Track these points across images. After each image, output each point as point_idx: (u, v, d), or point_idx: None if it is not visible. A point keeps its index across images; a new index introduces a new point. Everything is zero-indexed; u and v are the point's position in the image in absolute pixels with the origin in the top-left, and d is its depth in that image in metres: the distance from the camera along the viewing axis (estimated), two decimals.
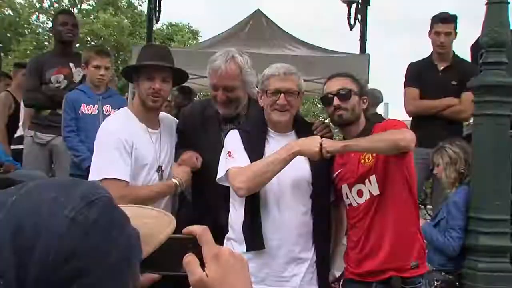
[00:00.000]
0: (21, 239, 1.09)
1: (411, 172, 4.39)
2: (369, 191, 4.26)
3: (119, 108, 6.06)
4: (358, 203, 4.30)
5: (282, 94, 4.18)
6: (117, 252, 1.20)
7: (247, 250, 4.11)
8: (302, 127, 4.42)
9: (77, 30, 6.63)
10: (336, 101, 4.28)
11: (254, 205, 4.13)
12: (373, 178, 4.24)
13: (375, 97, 9.58)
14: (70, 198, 1.18)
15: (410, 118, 7.64)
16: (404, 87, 7.50)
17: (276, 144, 4.23)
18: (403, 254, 4.26)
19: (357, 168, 4.27)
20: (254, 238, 4.11)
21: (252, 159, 4.14)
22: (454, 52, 7.23)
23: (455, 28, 7.21)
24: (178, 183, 4.27)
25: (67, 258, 1.11)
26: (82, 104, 6.29)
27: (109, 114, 6.14)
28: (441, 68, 6.96)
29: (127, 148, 4.20)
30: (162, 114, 4.67)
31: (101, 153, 4.27)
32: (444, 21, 7.18)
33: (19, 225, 1.12)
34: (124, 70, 4.76)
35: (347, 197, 4.34)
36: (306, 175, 4.22)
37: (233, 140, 4.30)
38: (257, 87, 4.52)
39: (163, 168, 4.43)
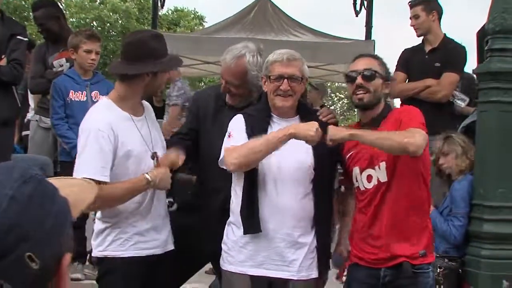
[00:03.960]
0: None
1: (427, 164, 4.42)
2: (377, 177, 4.27)
3: (107, 94, 6.20)
4: (365, 188, 4.30)
5: (285, 80, 4.20)
6: (51, 219, 1.47)
7: (244, 233, 4.16)
8: (306, 113, 4.43)
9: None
10: (359, 80, 4.28)
11: (252, 189, 4.16)
12: (382, 164, 4.24)
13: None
14: (8, 179, 1.46)
15: None
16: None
17: (277, 126, 4.28)
18: (412, 244, 4.25)
19: (370, 152, 4.27)
20: (251, 221, 4.12)
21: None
22: (445, 34, 7.19)
23: (426, 9, 7.13)
24: (149, 178, 4.17)
25: (10, 228, 1.38)
26: (71, 90, 6.34)
27: (97, 101, 6.02)
28: (427, 50, 6.95)
29: (110, 140, 4.15)
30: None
31: (81, 148, 4.21)
32: (410, 7, 7.24)
33: None
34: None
35: (357, 180, 4.35)
36: (308, 160, 4.23)
37: (236, 122, 4.34)
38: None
39: (158, 154, 4.39)
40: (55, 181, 1.62)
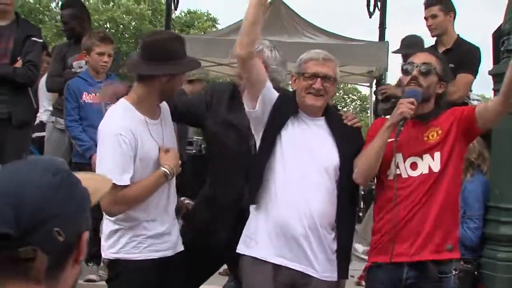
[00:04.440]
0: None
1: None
2: (429, 165, 4.18)
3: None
4: (409, 175, 4.20)
5: (319, 79, 4.18)
6: (75, 203, 1.81)
7: (250, 203, 4.23)
8: (332, 115, 4.40)
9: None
10: (415, 72, 4.22)
11: (264, 165, 4.18)
12: (438, 154, 4.17)
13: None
14: (45, 170, 1.82)
15: None
16: None
17: (302, 127, 4.25)
18: (442, 237, 4.16)
19: (419, 142, 4.21)
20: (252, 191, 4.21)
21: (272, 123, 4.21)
22: (458, 35, 7.14)
23: (444, 9, 7.08)
24: (167, 172, 4.17)
25: (44, 206, 1.71)
26: (84, 92, 6.33)
27: (110, 103, 6.15)
28: (441, 51, 6.92)
29: (131, 145, 4.13)
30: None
31: (103, 152, 4.21)
32: (426, 6, 7.18)
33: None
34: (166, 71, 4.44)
35: (398, 167, 4.22)
36: (334, 160, 4.21)
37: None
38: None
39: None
40: (77, 174, 1.95)
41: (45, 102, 7.83)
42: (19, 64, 6.30)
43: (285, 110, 4.24)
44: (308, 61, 4.27)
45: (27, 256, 1.65)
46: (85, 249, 1.86)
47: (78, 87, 6.32)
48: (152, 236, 4.19)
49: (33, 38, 6.45)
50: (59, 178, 1.77)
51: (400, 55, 8.03)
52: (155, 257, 4.20)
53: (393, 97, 6.95)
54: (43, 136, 7.67)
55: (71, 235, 1.75)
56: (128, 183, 4.06)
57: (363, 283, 4.55)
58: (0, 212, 1.65)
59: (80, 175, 1.94)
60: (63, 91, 6.65)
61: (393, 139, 4.10)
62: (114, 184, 3.75)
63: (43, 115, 7.83)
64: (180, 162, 4.30)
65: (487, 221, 5.96)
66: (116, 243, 4.21)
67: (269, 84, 4.23)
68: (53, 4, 32.04)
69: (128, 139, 4.07)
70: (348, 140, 4.30)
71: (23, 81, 6.37)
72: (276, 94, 4.25)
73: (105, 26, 28.57)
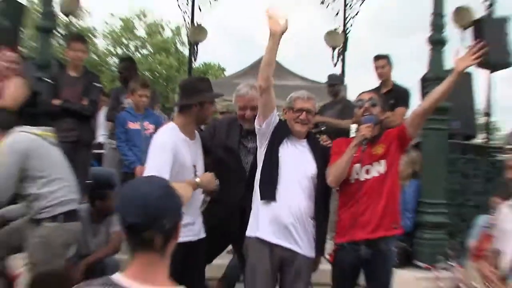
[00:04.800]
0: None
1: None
2: (377, 170, 4.22)
3: (154, 123, 6.21)
4: (365, 178, 4.22)
5: (304, 112, 4.24)
6: (175, 205, 2.12)
7: (261, 199, 4.16)
8: (312, 138, 4.44)
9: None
10: (366, 105, 4.28)
11: (272, 169, 4.16)
12: (383, 161, 4.22)
13: None
14: (156, 185, 2.14)
15: None
16: None
17: (292, 146, 4.27)
18: (389, 221, 4.19)
19: (371, 155, 4.21)
20: (268, 191, 4.16)
21: (274, 140, 4.22)
22: (393, 81, 7.21)
23: (389, 62, 7.19)
24: (197, 182, 4.14)
25: (160, 207, 2.04)
26: (129, 122, 6.26)
27: (147, 129, 6.21)
28: (383, 91, 6.92)
29: (172, 153, 4.07)
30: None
31: (151, 155, 4.11)
32: (376, 59, 7.23)
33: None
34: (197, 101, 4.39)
35: (357, 173, 4.24)
36: (312, 170, 4.23)
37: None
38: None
39: (196, 167, 4.32)
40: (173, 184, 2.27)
41: (102, 129, 7.89)
42: (85, 102, 6.35)
43: (283, 132, 4.26)
44: (296, 99, 4.32)
45: (149, 237, 2.00)
46: (180, 231, 2.19)
47: (124, 117, 6.30)
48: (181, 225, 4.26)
49: (95, 84, 6.51)
50: (166, 190, 2.12)
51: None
52: (181, 241, 4.24)
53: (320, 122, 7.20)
54: (101, 153, 7.76)
55: (172, 223, 2.07)
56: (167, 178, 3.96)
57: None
58: (133, 210, 2.01)
59: (173, 184, 2.26)
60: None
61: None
62: None
63: (100, 138, 7.87)
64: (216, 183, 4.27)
65: (418, 212, 6.08)
66: None
67: (275, 111, 4.23)
68: (111, 61, 32.11)
69: (170, 148, 4.07)
70: (322, 156, 4.32)
71: (88, 114, 6.43)
72: (277, 120, 4.26)
73: (145, 73, 28.60)
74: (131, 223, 1.99)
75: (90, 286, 1.99)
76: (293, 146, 4.29)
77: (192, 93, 4.29)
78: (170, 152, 4.07)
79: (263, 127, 4.20)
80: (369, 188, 4.22)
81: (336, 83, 8.08)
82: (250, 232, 4.22)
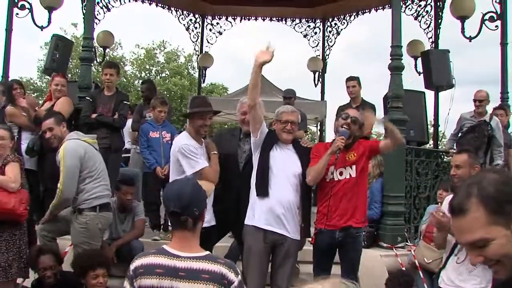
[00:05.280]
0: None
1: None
2: (349, 173, 4.25)
3: (170, 133, 6.22)
4: (338, 179, 4.25)
5: (289, 123, 4.25)
6: (201, 197, 2.42)
7: (257, 195, 4.15)
8: (296, 143, 4.43)
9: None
10: (349, 120, 4.27)
11: (264, 171, 4.16)
12: (354, 167, 4.25)
13: None
14: (187, 183, 2.46)
15: None
16: None
17: (280, 151, 4.27)
18: (359, 215, 4.25)
19: (344, 160, 4.24)
20: (262, 189, 4.15)
21: (265, 147, 4.23)
22: (362, 97, 7.21)
23: (358, 83, 7.16)
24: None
25: (191, 199, 2.38)
26: (150, 131, 6.25)
27: (165, 137, 6.19)
28: (354, 106, 6.81)
29: (193, 151, 4.18)
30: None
31: (187, 156, 4.20)
32: (350, 79, 7.20)
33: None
34: (186, 113, 4.61)
35: (332, 174, 4.26)
36: (298, 170, 4.25)
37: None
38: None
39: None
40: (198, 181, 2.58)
41: (128, 137, 7.93)
42: (115, 116, 6.38)
43: (272, 140, 4.27)
44: (282, 113, 4.31)
45: (184, 220, 2.35)
46: (205, 217, 2.50)
47: (147, 128, 6.30)
48: None
49: (124, 102, 6.54)
50: (194, 187, 2.43)
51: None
52: None
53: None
54: (128, 157, 7.76)
55: (200, 210, 2.37)
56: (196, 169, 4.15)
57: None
58: (173, 202, 2.36)
59: (200, 183, 2.54)
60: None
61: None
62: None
63: (127, 144, 7.91)
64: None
65: (383, 203, 6.07)
66: None
67: (264, 123, 4.24)
68: (136, 82, 32.17)
69: (191, 148, 4.18)
70: (305, 157, 4.32)
71: (118, 126, 6.44)
72: (266, 130, 4.26)
73: (163, 92, 28.57)
74: (172, 211, 2.34)
75: (148, 254, 2.39)
76: (282, 151, 4.28)
77: (192, 106, 4.37)
78: (193, 153, 4.16)
79: (258, 139, 4.20)
80: (341, 187, 4.24)
81: (291, 96, 7.78)
82: (247, 221, 4.21)
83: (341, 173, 4.27)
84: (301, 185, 4.25)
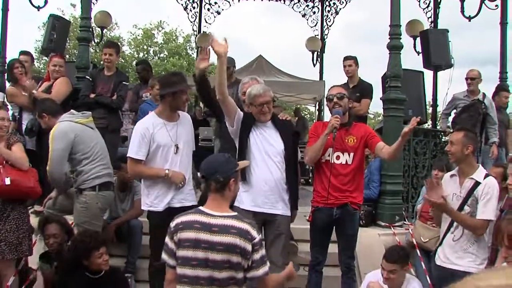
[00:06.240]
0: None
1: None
2: (346, 160, 4.25)
3: None
4: (334, 163, 4.24)
5: (264, 105, 4.13)
6: (227, 168, 2.83)
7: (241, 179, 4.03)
8: (274, 118, 4.29)
9: None
10: (335, 99, 4.26)
11: (241, 158, 4.03)
12: (352, 154, 4.24)
13: None
14: (221, 158, 2.91)
15: None
16: None
17: (259, 131, 4.19)
18: (356, 194, 4.24)
19: (343, 143, 4.24)
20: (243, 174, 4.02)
21: (243, 131, 4.16)
22: (359, 76, 7.17)
23: (355, 62, 7.12)
24: (166, 172, 4.16)
25: (220, 168, 2.80)
26: (149, 111, 6.14)
27: None
28: (351, 86, 6.94)
29: (148, 135, 4.13)
30: (181, 113, 4.43)
31: (132, 138, 4.22)
32: (347, 59, 7.16)
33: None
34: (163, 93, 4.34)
35: (329, 156, 4.26)
36: (281, 146, 4.18)
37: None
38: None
39: (179, 146, 4.27)
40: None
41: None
42: (114, 97, 6.35)
43: (249, 122, 4.18)
44: (254, 96, 4.13)
45: (208, 184, 2.81)
46: (235, 185, 2.86)
47: (146, 108, 6.25)
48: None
49: (123, 82, 6.50)
50: (227, 158, 2.88)
51: None
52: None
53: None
54: (124, 136, 7.83)
55: (224, 178, 2.78)
56: (143, 157, 4.13)
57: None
58: (203, 169, 2.83)
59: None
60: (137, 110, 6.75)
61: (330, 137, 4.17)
62: (132, 157, 4.12)
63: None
64: (185, 178, 4.28)
65: (381, 183, 6.10)
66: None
67: (238, 110, 4.14)
68: (134, 63, 32.07)
69: (145, 131, 4.13)
70: (286, 130, 4.26)
71: (116, 107, 6.44)
72: (241, 114, 4.17)
73: (161, 72, 28.46)
74: (202, 175, 2.86)
75: (187, 213, 2.82)
76: (261, 130, 4.20)
77: (166, 85, 4.24)
78: (140, 135, 4.13)
79: (235, 127, 4.16)
80: (337, 170, 4.24)
81: (229, 66, 7.56)
82: (236, 204, 4.15)
83: (338, 157, 4.27)
84: (286, 160, 4.20)
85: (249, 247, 2.67)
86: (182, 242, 2.73)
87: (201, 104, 10.89)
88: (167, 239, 2.82)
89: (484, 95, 7.04)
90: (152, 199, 4.23)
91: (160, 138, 4.19)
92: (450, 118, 7.48)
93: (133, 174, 4.38)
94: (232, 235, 2.66)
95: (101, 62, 6.61)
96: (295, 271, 3.10)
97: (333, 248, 4.49)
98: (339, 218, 4.24)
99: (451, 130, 6.30)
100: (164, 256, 2.83)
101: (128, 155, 4.19)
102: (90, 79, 6.35)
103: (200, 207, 2.85)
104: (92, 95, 6.28)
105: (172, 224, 2.81)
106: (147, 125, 4.19)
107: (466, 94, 7.13)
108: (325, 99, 4.71)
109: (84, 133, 4.69)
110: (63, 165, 4.59)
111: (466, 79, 7.10)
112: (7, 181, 4.32)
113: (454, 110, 7.30)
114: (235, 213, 2.85)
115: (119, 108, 6.61)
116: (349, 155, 4.26)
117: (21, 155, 4.56)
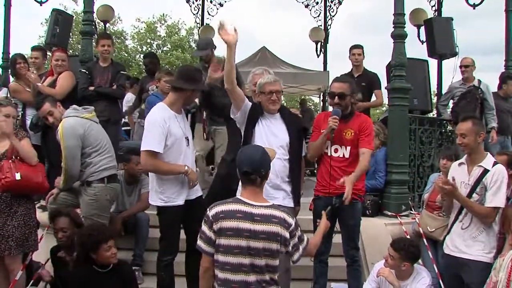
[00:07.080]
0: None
1: None
2: (343, 153, 4.26)
3: None
4: (332, 155, 4.26)
5: (274, 93, 4.14)
6: (267, 161, 2.96)
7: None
8: (282, 110, 4.33)
9: None
10: (336, 100, 4.23)
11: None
12: (348, 148, 4.24)
13: None
14: (258, 150, 2.99)
15: None
16: None
17: (266, 122, 4.19)
18: (356, 184, 4.09)
19: (341, 136, 4.24)
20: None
21: (249, 122, 4.16)
22: (364, 67, 7.16)
23: (363, 52, 7.12)
24: (186, 168, 4.14)
25: (258, 162, 2.90)
26: (156, 103, 6.29)
27: None
28: (356, 75, 6.93)
29: (164, 127, 4.05)
30: None
31: (146, 132, 4.12)
32: (355, 47, 7.15)
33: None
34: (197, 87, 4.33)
35: (327, 148, 4.28)
36: (286, 138, 4.19)
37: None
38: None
39: (189, 138, 4.30)
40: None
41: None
42: (114, 87, 6.31)
43: (256, 113, 4.18)
44: (265, 84, 4.16)
45: (254, 178, 2.89)
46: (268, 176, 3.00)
47: (153, 100, 6.06)
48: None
49: (121, 72, 6.45)
50: (262, 152, 2.93)
51: None
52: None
53: None
54: (129, 129, 7.90)
55: (265, 171, 2.91)
56: (161, 149, 4.03)
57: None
58: (245, 163, 2.87)
59: (266, 149, 3.02)
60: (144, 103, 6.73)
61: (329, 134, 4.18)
62: (149, 150, 4.00)
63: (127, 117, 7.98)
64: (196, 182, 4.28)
65: (387, 172, 6.04)
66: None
67: (246, 100, 4.14)
68: (137, 57, 32.01)
69: (162, 124, 4.04)
70: (293, 124, 4.26)
71: (117, 97, 6.42)
72: (250, 104, 4.16)
73: (165, 66, 28.42)
74: (245, 171, 2.89)
75: (226, 202, 2.92)
76: (268, 121, 4.20)
77: (189, 80, 4.19)
78: (160, 127, 4.02)
79: (238, 115, 4.15)
80: (335, 163, 4.26)
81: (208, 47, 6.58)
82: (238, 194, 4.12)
83: (336, 150, 4.29)
84: (291, 154, 4.20)
85: (287, 234, 2.85)
86: (224, 231, 2.84)
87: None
88: (204, 228, 2.91)
89: (479, 81, 7.04)
90: (170, 194, 4.16)
91: (175, 131, 4.15)
92: (449, 110, 7.47)
93: (148, 168, 4.22)
94: (274, 224, 2.83)
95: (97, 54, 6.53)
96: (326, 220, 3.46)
97: (338, 239, 4.50)
98: (339, 208, 4.19)
99: (451, 120, 6.29)
100: (201, 244, 2.93)
101: (146, 148, 4.05)
102: (86, 72, 6.30)
103: (239, 197, 2.97)
104: (91, 88, 6.24)
105: (210, 213, 2.89)
106: (164, 117, 4.10)
107: (462, 82, 7.15)
108: (328, 89, 4.66)
109: (91, 128, 4.71)
110: (78, 160, 4.58)
111: (460, 67, 7.16)
112: (17, 176, 4.32)
113: (452, 100, 7.28)
114: (272, 203, 3.00)
115: (121, 98, 6.60)
116: (346, 148, 4.26)
117: (30, 149, 4.58)
